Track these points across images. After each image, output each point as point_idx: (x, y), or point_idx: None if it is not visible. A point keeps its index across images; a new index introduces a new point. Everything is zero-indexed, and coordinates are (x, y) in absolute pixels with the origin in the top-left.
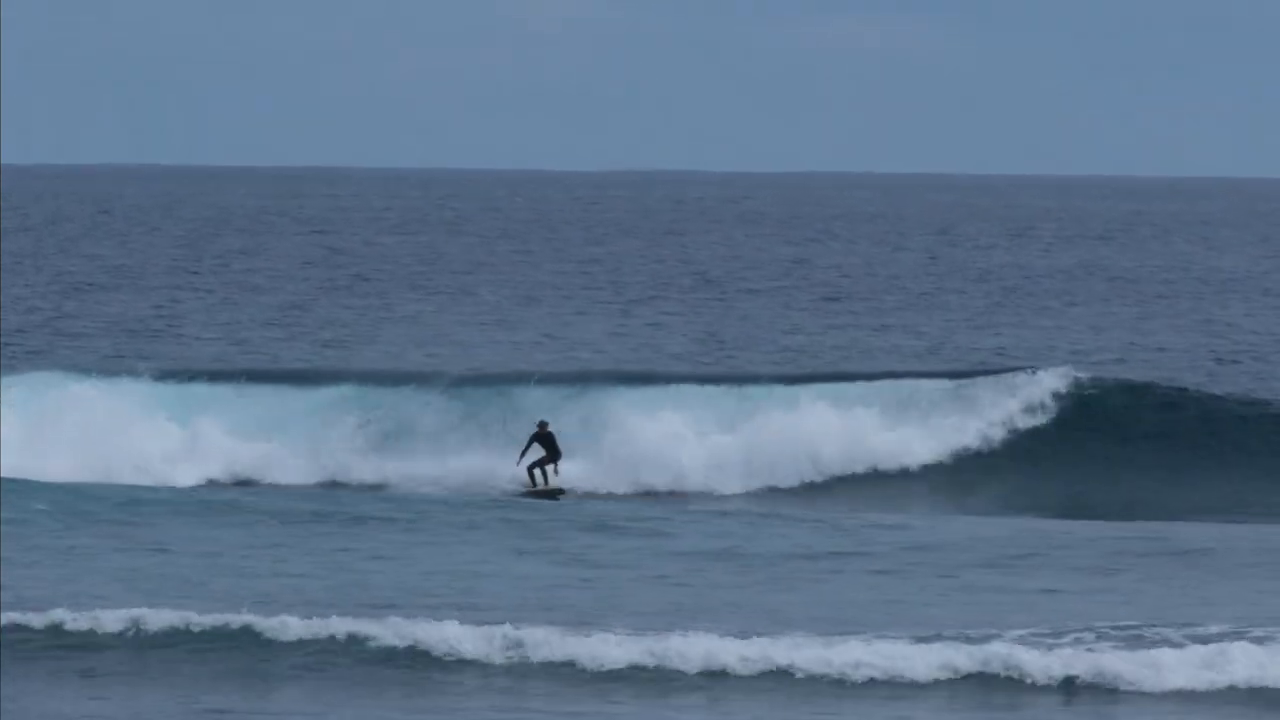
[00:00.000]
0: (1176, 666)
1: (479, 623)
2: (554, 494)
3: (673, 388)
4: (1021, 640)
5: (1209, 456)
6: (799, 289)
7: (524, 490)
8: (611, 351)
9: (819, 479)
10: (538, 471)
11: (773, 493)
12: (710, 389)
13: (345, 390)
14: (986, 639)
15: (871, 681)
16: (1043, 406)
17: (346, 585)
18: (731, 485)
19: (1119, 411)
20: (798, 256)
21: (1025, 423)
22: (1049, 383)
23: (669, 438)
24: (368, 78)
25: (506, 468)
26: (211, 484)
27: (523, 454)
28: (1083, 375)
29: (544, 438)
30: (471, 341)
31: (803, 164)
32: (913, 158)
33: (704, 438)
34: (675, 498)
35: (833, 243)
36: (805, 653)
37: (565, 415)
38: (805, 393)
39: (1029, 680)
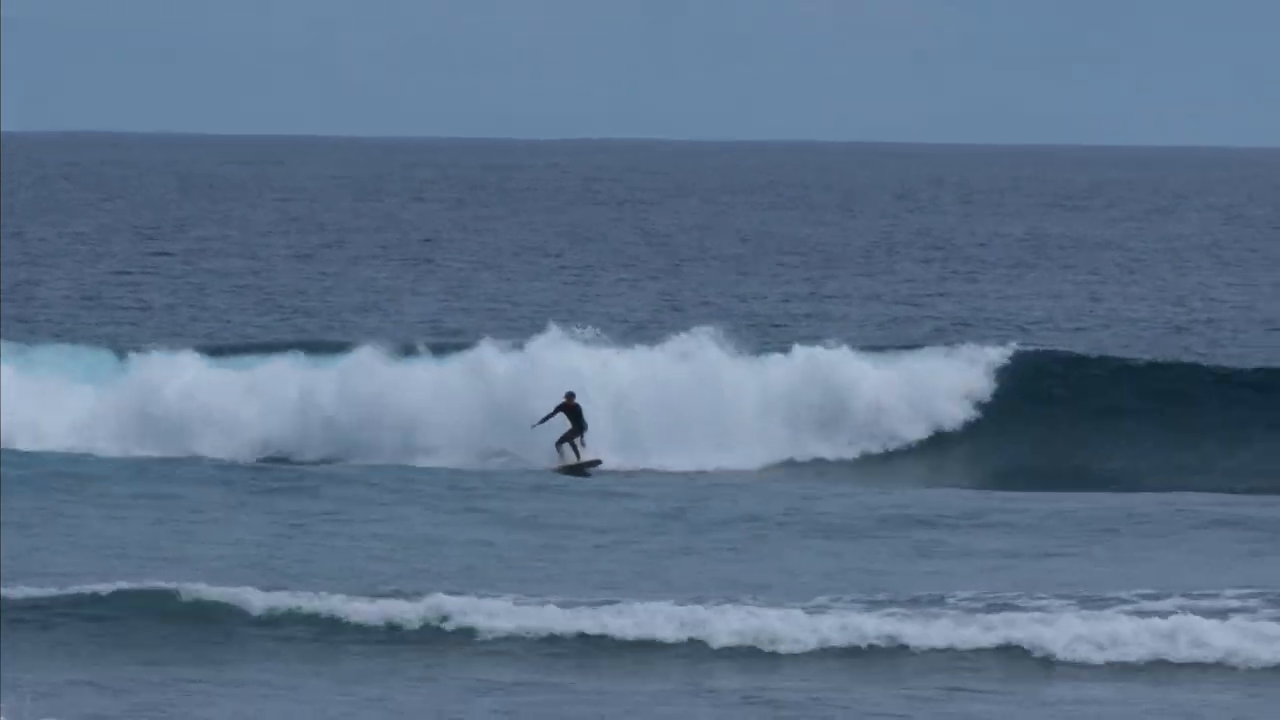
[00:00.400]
0: (1116, 636)
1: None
2: (588, 467)
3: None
4: (960, 605)
5: (1156, 425)
6: (756, 257)
7: (558, 467)
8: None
9: (767, 447)
10: (567, 446)
11: (720, 461)
12: (658, 353)
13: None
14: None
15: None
16: (991, 377)
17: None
18: (682, 453)
19: (1066, 381)
20: (759, 224)
21: (973, 393)
22: (996, 354)
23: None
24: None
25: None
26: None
27: (543, 420)
28: (1029, 346)
29: (571, 409)
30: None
31: (754, 133)
32: (867, 127)
33: (636, 409)
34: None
35: (791, 210)
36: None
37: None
38: (755, 362)
39: (949, 648)
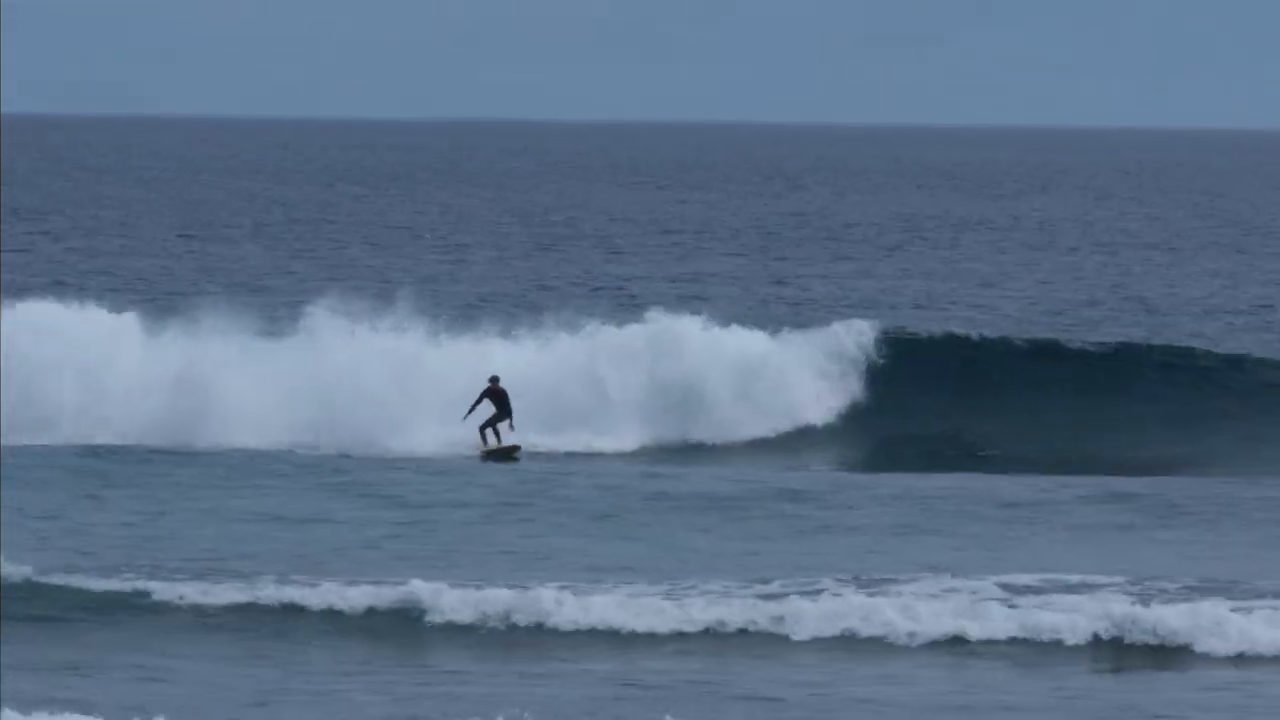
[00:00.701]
0: (932, 617)
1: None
2: (510, 452)
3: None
4: (830, 586)
5: (1024, 405)
6: (639, 234)
7: (481, 452)
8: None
9: (637, 430)
10: (489, 432)
11: (592, 443)
12: (528, 337)
13: None
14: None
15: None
16: (858, 357)
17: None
18: (555, 435)
19: (933, 361)
20: (654, 204)
21: (840, 374)
22: (860, 335)
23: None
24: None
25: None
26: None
27: (471, 409)
28: (893, 327)
29: (496, 394)
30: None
31: (686, 114)
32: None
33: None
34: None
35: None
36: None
37: None
38: (626, 344)
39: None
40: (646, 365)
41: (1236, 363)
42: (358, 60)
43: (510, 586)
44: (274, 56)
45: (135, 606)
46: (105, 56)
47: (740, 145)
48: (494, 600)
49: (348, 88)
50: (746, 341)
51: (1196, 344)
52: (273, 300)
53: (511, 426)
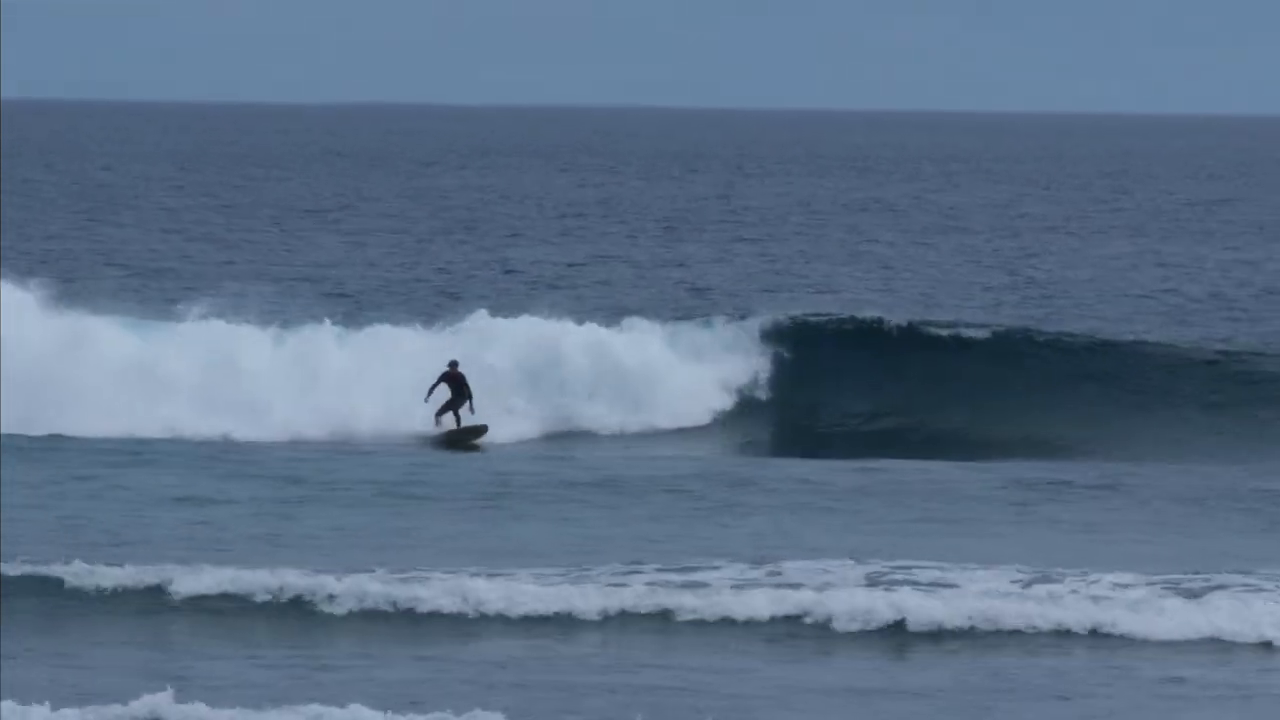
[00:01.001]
0: (899, 605)
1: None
2: (475, 434)
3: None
4: (726, 571)
5: (921, 391)
6: (534, 220)
7: (441, 437)
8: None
9: (530, 417)
10: (448, 416)
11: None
12: (405, 330)
13: None
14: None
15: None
16: (761, 345)
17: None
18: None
19: (838, 348)
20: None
21: (742, 363)
22: (763, 324)
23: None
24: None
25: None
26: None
27: (430, 392)
28: (796, 313)
29: (453, 378)
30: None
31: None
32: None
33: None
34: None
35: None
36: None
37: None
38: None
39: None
40: (531, 355)
41: (1138, 346)
42: (356, 51)
43: (397, 573)
44: (274, 56)
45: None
46: (105, 56)
47: (637, 130)
48: (375, 587)
49: (344, 80)
50: (640, 333)
51: (1094, 327)
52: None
53: (471, 410)
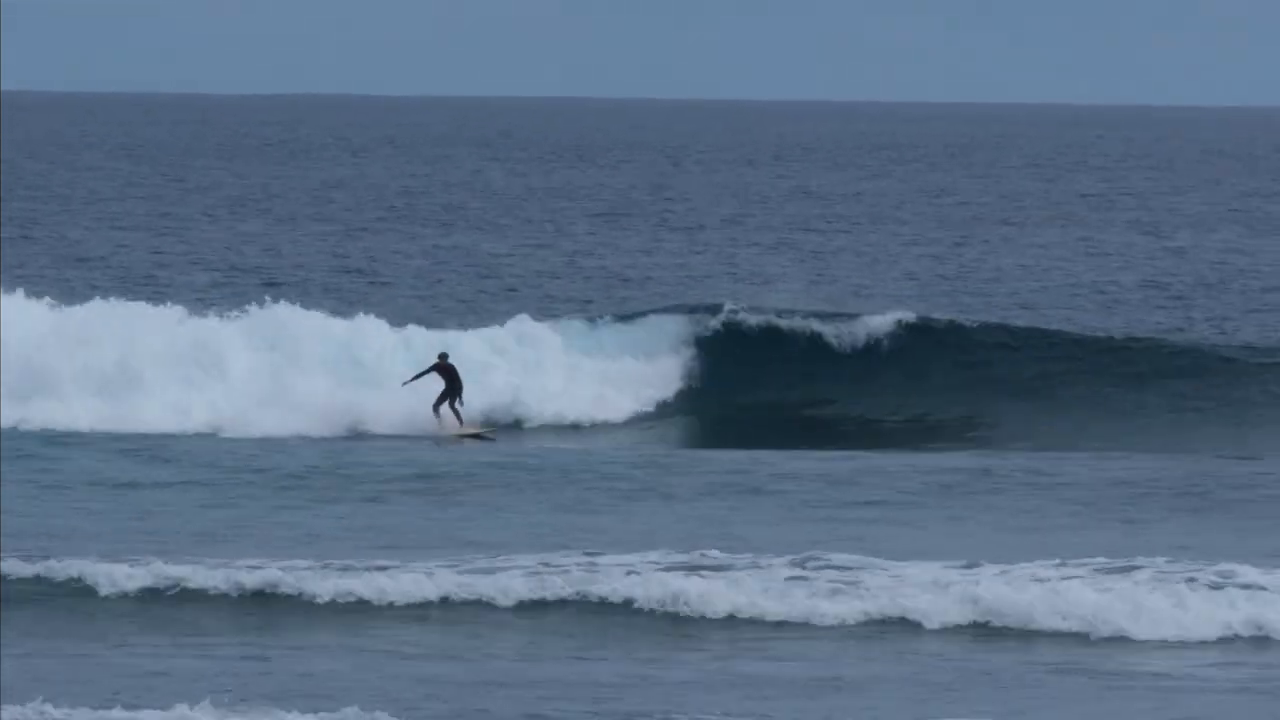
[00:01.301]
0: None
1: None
2: (486, 433)
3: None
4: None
5: (858, 383)
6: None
7: (457, 434)
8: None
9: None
10: (446, 409)
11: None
12: (351, 322)
13: None
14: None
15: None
16: (679, 340)
17: None
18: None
19: (760, 341)
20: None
21: (673, 361)
22: (715, 319)
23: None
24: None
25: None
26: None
27: (414, 378)
28: (723, 306)
29: (445, 370)
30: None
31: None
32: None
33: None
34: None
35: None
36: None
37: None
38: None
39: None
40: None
41: (1079, 339)
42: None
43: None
44: (274, 55)
45: None
46: (105, 56)
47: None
48: (248, 575)
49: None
50: (570, 327)
51: (1031, 319)
52: None
53: (461, 402)
